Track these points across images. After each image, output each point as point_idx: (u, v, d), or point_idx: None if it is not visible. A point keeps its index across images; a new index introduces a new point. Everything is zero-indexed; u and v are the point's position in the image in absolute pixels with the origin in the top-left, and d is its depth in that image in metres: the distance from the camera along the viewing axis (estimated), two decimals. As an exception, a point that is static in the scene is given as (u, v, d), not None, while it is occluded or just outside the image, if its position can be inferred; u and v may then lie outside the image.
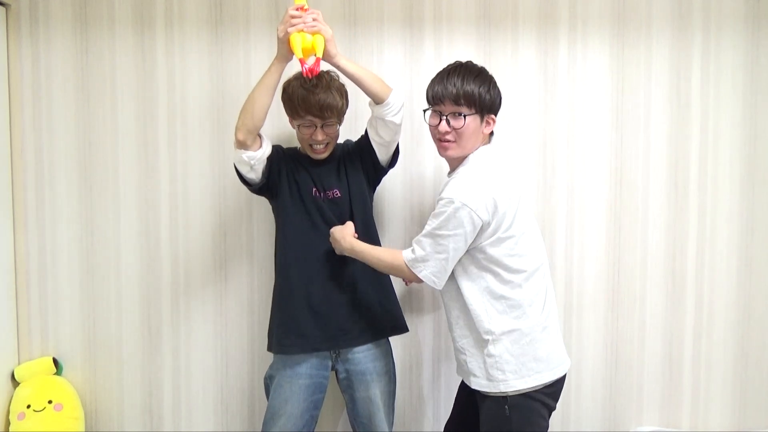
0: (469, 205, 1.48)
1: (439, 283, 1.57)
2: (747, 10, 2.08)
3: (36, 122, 2.06)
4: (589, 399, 2.15)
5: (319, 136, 1.74)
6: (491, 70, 1.63)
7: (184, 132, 2.07)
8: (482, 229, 1.51)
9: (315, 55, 1.58)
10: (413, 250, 1.58)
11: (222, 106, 2.06)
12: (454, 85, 1.56)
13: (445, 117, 1.58)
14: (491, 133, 1.66)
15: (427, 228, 1.55)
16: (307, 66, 1.56)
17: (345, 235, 1.70)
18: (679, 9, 2.08)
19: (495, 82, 1.62)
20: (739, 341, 2.14)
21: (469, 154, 1.60)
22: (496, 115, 1.63)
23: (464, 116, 1.56)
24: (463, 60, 1.64)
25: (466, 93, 1.55)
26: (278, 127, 2.01)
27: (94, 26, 2.05)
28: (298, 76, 1.72)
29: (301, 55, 1.56)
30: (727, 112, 2.09)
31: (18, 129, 2.06)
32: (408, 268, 1.59)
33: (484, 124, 1.60)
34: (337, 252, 1.74)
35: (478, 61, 1.65)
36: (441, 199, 1.53)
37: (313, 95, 1.69)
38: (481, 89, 1.56)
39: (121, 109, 2.06)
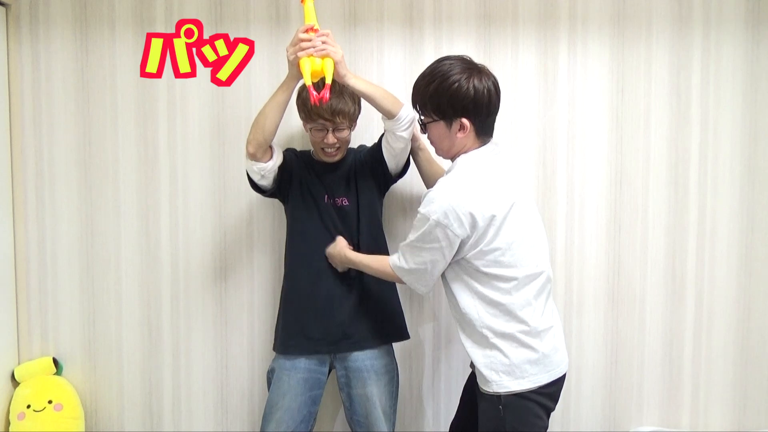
0: (443, 223, 1.46)
1: (424, 289, 1.60)
2: (747, 10, 2.08)
3: (36, 122, 2.06)
4: (589, 399, 2.15)
5: (331, 140, 1.75)
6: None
7: (184, 132, 2.07)
8: (462, 243, 1.50)
9: (324, 79, 1.57)
10: (398, 257, 1.61)
11: (222, 105, 2.06)
12: (412, 94, 1.60)
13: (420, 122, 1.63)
14: (483, 136, 1.57)
15: (409, 238, 1.57)
16: (316, 93, 1.55)
17: (340, 251, 1.74)
18: (679, 9, 2.08)
19: (452, 82, 1.49)
20: (739, 341, 2.14)
21: (457, 155, 1.57)
22: (471, 117, 1.51)
23: (422, 124, 1.60)
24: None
25: (418, 101, 1.58)
26: (283, 127, 2.01)
27: (94, 26, 2.05)
28: None
29: (309, 82, 1.55)
30: (727, 112, 2.09)
31: (18, 129, 2.06)
32: (395, 273, 1.62)
33: (455, 127, 1.53)
34: (340, 270, 1.78)
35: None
36: (418, 212, 1.52)
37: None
38: (431, 96, 1.52)
39: (121, 109, 2.06)
